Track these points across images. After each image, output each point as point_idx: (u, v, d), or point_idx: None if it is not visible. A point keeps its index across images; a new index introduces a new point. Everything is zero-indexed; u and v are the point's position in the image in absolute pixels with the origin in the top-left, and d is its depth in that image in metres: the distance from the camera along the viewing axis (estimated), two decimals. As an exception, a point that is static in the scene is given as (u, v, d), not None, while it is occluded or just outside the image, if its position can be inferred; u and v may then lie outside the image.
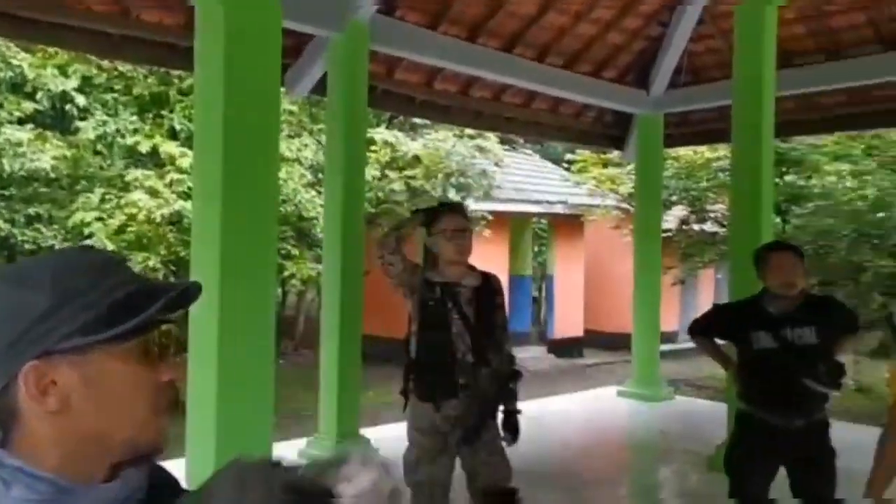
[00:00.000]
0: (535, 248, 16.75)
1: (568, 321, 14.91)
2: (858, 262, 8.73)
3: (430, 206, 3.14)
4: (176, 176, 8.95)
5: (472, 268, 2.99)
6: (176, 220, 8.90)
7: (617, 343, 13.29)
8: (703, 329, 3.45)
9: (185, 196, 8.58)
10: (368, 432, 5.48)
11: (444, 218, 2.91)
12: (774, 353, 3.06)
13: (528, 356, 13.87)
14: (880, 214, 9.10)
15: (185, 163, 8.79)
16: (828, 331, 3.08)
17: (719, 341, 3.49)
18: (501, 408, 2.92)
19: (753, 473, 3.14)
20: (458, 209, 3.10)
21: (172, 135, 9.72)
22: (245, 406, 3.51)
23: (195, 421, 3.58)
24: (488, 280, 2.98)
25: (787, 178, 10.10)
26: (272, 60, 3.67)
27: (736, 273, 5.26)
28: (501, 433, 2.92)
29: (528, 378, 12.77)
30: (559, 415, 7.57)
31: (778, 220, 9.68)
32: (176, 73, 9.10)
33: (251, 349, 3.54)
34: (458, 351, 2.82)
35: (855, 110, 7.21)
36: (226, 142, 3.48)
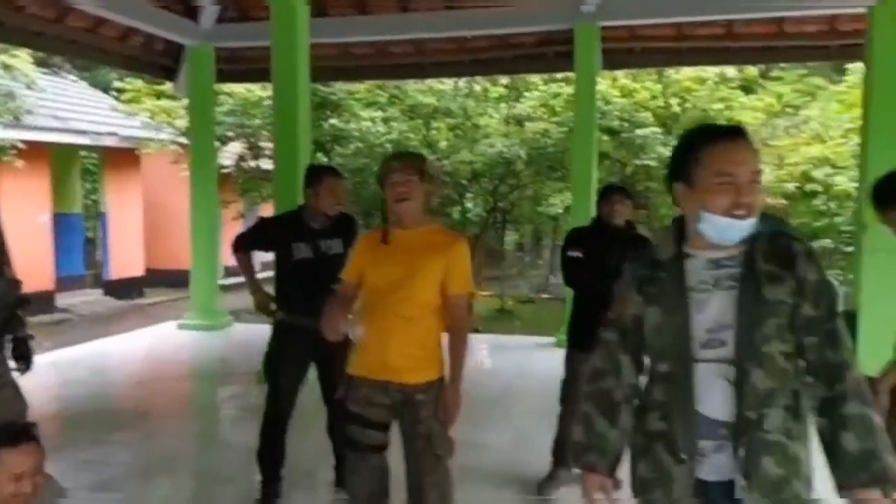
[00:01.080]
0: (88, 185, 15.32)
1: (126, 261, 14.16)
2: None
3: None
4: None
5: None
6: None
7: (180, 280, 13.10)
8: (248, 243, 3.74)
9: None
10: None
11: None
12: (311, 262, 3.51)
13: (81, 300, 12.85)
14: (401, 154, 10.74)
15: None
16: (348, 242, 3.65)
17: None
18: (10, 337, 2.75)
19: (286, 372, 3.56)
20: None
21: None
22: None
23: None
24: None
25: (332, 121, 11.12)
26: None
27: (280, 206, 5.66)
28: (13, 364, 2.76)
29: (80, 322, 11.76)
30: (116, 355, 7.34)
31: (325, 158, 10.68)
32: None
33: None
34: None
35: (380, 62, 8.28)
36: None
